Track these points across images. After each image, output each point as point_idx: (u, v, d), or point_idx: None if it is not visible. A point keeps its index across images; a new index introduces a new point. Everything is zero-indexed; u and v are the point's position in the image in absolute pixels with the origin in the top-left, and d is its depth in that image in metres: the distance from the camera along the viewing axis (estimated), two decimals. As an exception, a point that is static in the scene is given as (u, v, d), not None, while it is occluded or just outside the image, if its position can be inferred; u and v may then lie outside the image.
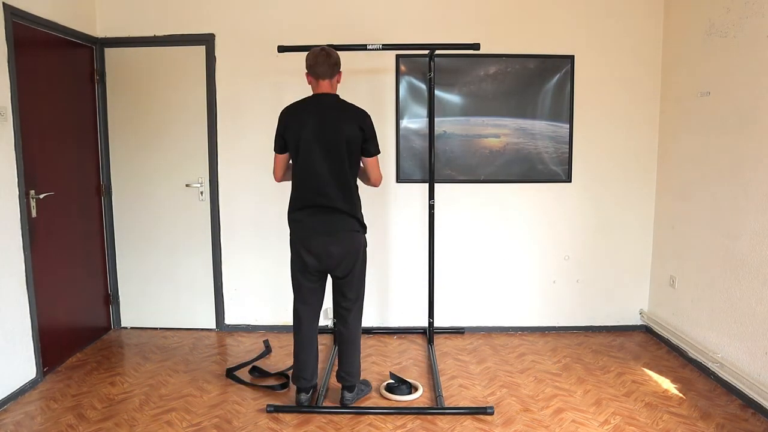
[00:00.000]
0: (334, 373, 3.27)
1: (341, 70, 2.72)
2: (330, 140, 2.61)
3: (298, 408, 2.83)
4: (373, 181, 2.82)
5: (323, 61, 2.64)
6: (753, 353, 2.86)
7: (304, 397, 2.84)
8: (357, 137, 2.63)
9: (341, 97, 2.73)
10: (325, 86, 2.68)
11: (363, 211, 3.86)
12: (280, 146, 2.71)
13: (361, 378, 2.99)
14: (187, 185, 3.91)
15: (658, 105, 3.82)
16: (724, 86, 3.11)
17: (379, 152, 2.75)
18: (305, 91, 3.80)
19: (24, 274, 3.04)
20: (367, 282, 3.91)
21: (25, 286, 3.05)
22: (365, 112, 2.69)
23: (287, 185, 3.89)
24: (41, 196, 3.20)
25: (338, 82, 2.74)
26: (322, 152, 2.61)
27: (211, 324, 4.03)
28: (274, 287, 3.98)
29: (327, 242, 2.69)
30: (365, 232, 2.81)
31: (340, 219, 2.69)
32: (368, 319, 3.99)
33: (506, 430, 2.64)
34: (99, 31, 3.80)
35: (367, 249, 2.92)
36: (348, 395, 2.85)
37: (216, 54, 3.80)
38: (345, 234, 2.71)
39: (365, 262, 2.86)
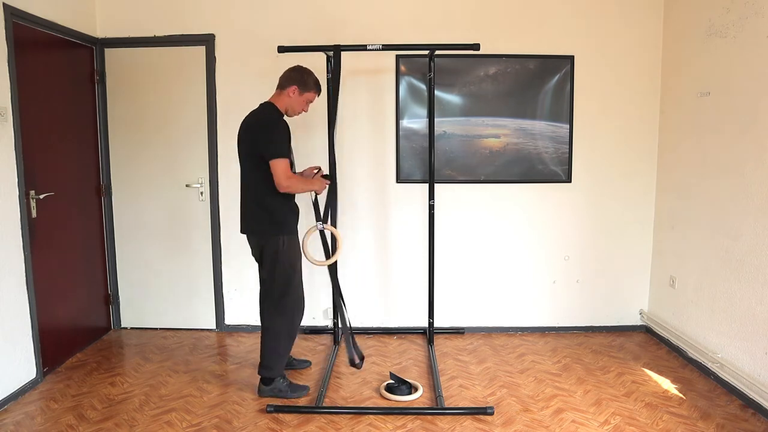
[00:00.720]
0: (333, 374, 3.29)
1: (292, 86, 2.87)
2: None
3: (297, 408, 2.84)
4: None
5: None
6: (753, 353, 2.86)
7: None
8: None
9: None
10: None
11: (363, 211, 3.89)
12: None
13: (287, 381, 3.00)
14: (187, 185, 3.91)
15: (658, 105, 3.82)
16: (724, 86, 3.11)
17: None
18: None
19: (24, 274, 3.04)
20: (368, 282, 3.94)
21: (25, 286, 3.05)
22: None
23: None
24: (41, 197, 3.20)
25: (288, 96, 2.89)
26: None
27: (211, 324, 4.03)
28: (274, 287, 3.97)
29: None
30: None
31: None
32: (368, 319, 3.99)
33: (506, 431, 2.64)
34: (99, 32, 3.80)
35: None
36: (262, 386, 2.98)
37: (216, 54, 3.79)
38: None
39: None
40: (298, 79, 2.87)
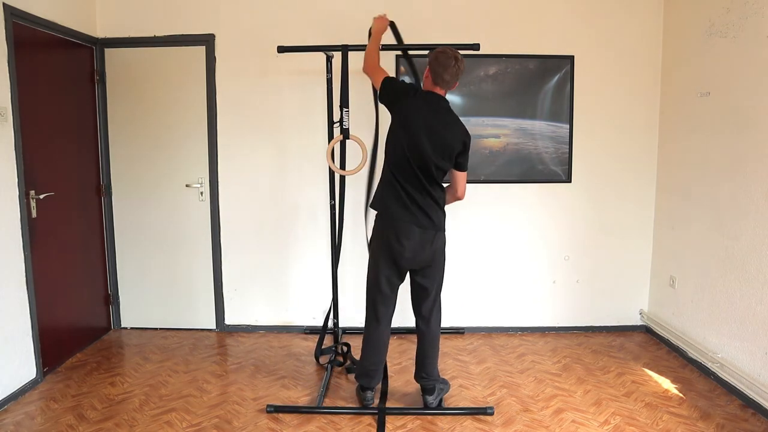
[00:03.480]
0: (334, 373, 3.29)
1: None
2: (435, 142, 2.56)
3: (297, 408, 2.84)
4: (459, 194, 2.77)
5: (454, 73, 2.56)
6: (753, 353, 2.86)
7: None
8: (456, 149, 2.60)
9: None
10: (440, 91, 2.64)
11: (364, 211, 3.87)
12: (395, 94, 2.64)
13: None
14: (187, 185, 3.91)
15: (658, 105, 3.82)
16: (724, 86, 3.11)
17: (467, 168, 2.73)
18: (305, 91, 3.82)
19: (24, 274, 3.04)
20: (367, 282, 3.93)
21: (25, 286, 3.05)
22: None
23: (288, 184, 3.90)
24: (41, 196, 3.20)
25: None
26: (428, 148, 2.56)
27: (211, 324, 4.03)
28: (274, 287, 3.98)
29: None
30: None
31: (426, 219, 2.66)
32: (368, 319, 3.98)
33: (506, 431, 2.64)
34: (99, 31, 3.80)
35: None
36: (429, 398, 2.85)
37: (216, 54, 3.79)
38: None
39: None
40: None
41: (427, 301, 2.85)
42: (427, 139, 2.55)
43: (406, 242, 2.62)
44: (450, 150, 2.58)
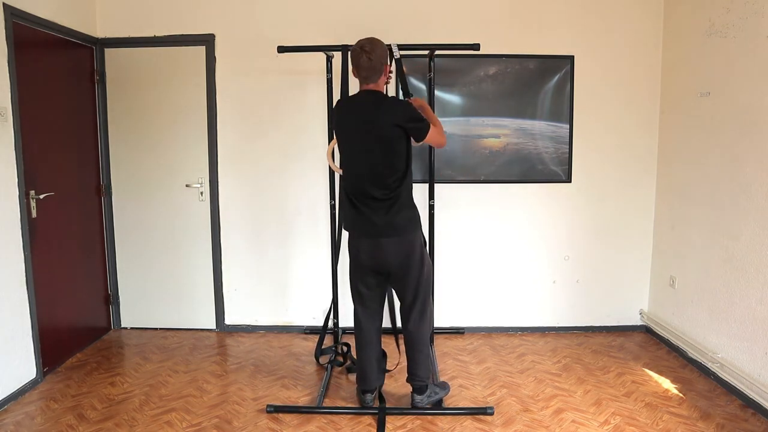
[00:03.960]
0: (334, 373, 3.28)
1: (387, 63, 2.58)
2: (369, 134, 2.50)
3: (297, 408, 2.84)
4: (438, 147, 2.77)
5: (365, 65, 2.48)
6: (753, 353, 2.86)
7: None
8: (393, 133, 2.49)
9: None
10: (371, 86, 2.57)
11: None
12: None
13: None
14: (187, 185, 3.91)
15: (658, 105, 3.82)
16: (724, 86, 3.11)
17: (425, 132, 2.54)
18: (305, 90, 3.82)
19: (24, 274, 3.04)
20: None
21: (25, 286, 3.05)
22: (403, 104, 2.56)
23: (288, 191, 3.90)
24: (41, 196, 3.20)
25: (386, 82, 2.64)
26: (361, 151, 2.54)
27: (211, 324, 4.03)
28: (274, 287, 3.98)
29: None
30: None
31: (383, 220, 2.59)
32: (368, 319, 3.98)
33: (506, 431, 2.64)
34: (99, 31, 3.80)
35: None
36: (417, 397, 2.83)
37: (216, 54, 3.79)
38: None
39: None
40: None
41: (403, 304, 2.78)
42: (361, 137, 2.52)
43: (364, 246, 2.63)
44: (386, 135, 2.47)
